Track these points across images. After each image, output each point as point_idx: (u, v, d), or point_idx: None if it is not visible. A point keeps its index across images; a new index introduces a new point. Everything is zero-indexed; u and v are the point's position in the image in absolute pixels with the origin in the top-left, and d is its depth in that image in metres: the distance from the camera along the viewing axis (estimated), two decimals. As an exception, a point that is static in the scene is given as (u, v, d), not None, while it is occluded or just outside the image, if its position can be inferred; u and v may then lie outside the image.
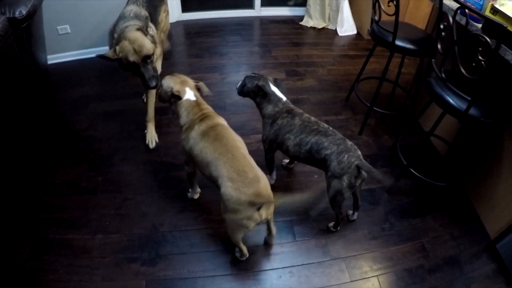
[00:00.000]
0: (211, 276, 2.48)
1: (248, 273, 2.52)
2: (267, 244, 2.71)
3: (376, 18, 3.19)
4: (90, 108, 3.82)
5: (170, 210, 2.87)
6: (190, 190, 2.93)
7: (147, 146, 3.38)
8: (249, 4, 6.08)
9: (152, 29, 3.16)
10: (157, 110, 3.59)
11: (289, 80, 4.44)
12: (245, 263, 2.56)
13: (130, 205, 2.90)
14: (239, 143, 2.38)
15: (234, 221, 2.20)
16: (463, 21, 2.35)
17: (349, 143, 2.43)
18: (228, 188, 2.13)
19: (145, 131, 3.42)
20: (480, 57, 2.08)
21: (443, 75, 2.47)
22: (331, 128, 2.52)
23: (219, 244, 2.67)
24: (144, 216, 2.82)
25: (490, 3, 2.27)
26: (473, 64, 2.12)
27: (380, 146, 3.54)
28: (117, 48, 2.79)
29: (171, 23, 5.61)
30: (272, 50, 5.10)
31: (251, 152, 2.38)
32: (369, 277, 2.52)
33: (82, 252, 2.58)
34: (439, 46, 2.46)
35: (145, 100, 3.75)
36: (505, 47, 2.10)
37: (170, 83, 2.54)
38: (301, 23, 5.88)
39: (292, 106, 2.68)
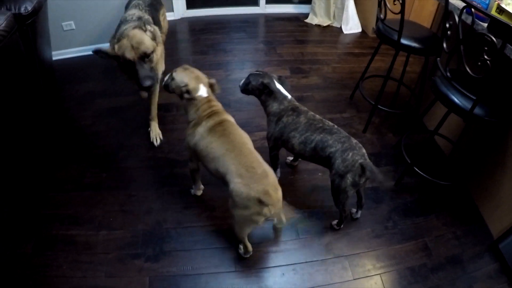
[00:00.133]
0: (215, 273, 2.48)
1: (251, 270, 2.52)
2: (275, 229, 2.75)
3: (382, 16, 3.18)
4: (95, 104, 3.83)
5: (174, 207, 2.88)
6: (193, 186, 2.93)
7: (152, 143, 3.38)
8: (254, 1, 6.07)
9: (151, 26, 3.08)
10: (161, 107, 3.61)
11: (293, 78, 4.44)
12: (248, 260, 2.56)
13: (134, 202, 2.91)
14: (246, 139, 2.39)
15: (244, 216, 2.20)
16: (469, 20, 2.34)
17: (354, 141, 2.43)
18: (238, 184, 2.13)
19: (149, 129, 3.42)
20: (485, 57, 2.08)
21: (448, 74, 2.47)
22: (336, 126, 2.52)
23: (223, 241, 2.68)
24: (148, 213, 2.83)
25: (496, 2, 2.26)
26: (479, 63, 2.12)
27: (384, 144, 3.53)
28: (116, 46, 2.74)
29: (176, 20, 5.64)
30: (277, 47, 5.10)
31: (255, 149, 2.38)
32: (372, 275, 2.53)
33: (85, 248, 2.59)
34: (444, 45, 2.46)
35: (142, 95, 3.84)
36: (511, 47, 2.10)
37: (184, 78, 2.47)
38: (306, 20, 5.87)
39: (297, 104, 2.68)
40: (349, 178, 2.35)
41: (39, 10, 2.96)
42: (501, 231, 2.69)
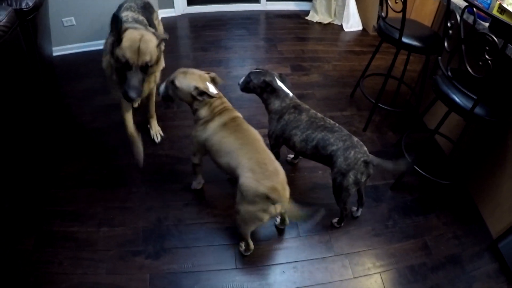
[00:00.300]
0: (215, 270, 2.49)
1: (252, 267, 2.53)
2: (277, 228, 2.76)
3: (383, 14, 3.18)
4: (95, 100, 3.83)
5: (175, 204, 2.88)
6: (193, 180, 2.94)
7: (153, 140, 3.39)
8: (255, -2, 6.08)
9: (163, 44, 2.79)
10: (161, 104, 3.61)
11: (294, 75, 4.45)
12: (249, 258, 2.57)
13: (135, 198, 2.91)
14: (258, 136, 2.39)
15: (250, 212, 2.20)
16: (470, 19, 2.35)
17: (355, 139, 2.44)
18: (248, 179, 2.14)
19: (148, 125, 3.42)
20: (486, 56, 2.08)
21: (449, 73, 2.47)
22: (337, 125, 2.52)
23: (224, 238, 2.68)
24: (148, 210, 2.83)
25: (498, 2, 2.26)
26: (480, 63, 2.12)
27: (385, 143, 3.54)
28: (125, 35, 2.40)
29: (176, 16, 5.64)
30: (278, 44, 5.11)
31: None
32: (371, 274, 2.53)
33: (86, 245, 2.60)
34: (446, 44, 2.46)
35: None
36: (512, 47, 2.10)
37: (191, 82, 2.39)
38: (306, 18, 5.88)
39: (298, 101, 2.68)
40: (351, 176, 2.36)
41: (40, 6, 2.95)
42: (500, 230, 2.70)
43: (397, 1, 2.98)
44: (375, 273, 2.54)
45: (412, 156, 2.63)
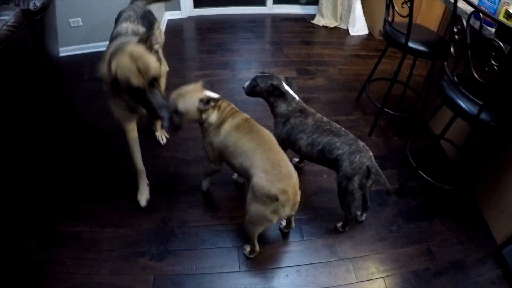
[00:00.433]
0: (219, 273, 2.49)
1: (255, 270, 2.53)
2: (281, 232, 2.75)
3: (390, 19, 3.18)
4: (102, 101, 3.83)
5: (179, 206, 2.89)
6: (204, 181, 2.93)
7: (158, 141, 3.39)
8: (261, 1, 6.09)
9: (158, 43, 2.63)
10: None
11: (300, 79, 4.45)
12: (252, 261, 2.57)
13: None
14: (272, 136, 2.39)
15: (259, 212, 2.19)
16: (476, 25, 2.34)
17: (361, 143, 2.44)
18: (261, 179, 2.13)
19: (153, 127, 3.42)
20: (493, 62, 2.08)
21: (455, 78, 2.47)
22: (343, 129, 2.53)
23: (228, 240, 2.68)
24: (153, 211, 2.84)
25: (504, 7, 2.26)
26: (486, 68, 2.12)
27: (390, 147, 3.54)
28: (113, 63, 2.14)
29: (183, 18, 5.65)
30: (284, 48, 5.11)
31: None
32: (375, 279, 2.53)
33: (90, 245, 2.61)
34: (452, 50, 2.46)
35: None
36: (519, 53, 2.10)
37: (191, 98, 2.38)
38: (312, 21, 5.88)
39: (304, 105, 2.68)
40: (356, 181, 2.36)
41: (47, 6, 2.96)
42: (504, 236, 2.69)
43: (403, 6, 2.98)
44: (378, 278, 2.53)
45: (394, 189, 2.64)
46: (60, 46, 3.97)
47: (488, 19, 2.12)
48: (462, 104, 2.43)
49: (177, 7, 5.67)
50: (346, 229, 2.76)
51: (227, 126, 2.41)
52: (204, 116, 2.43)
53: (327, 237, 2.75)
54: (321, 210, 2.88)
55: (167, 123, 2.33)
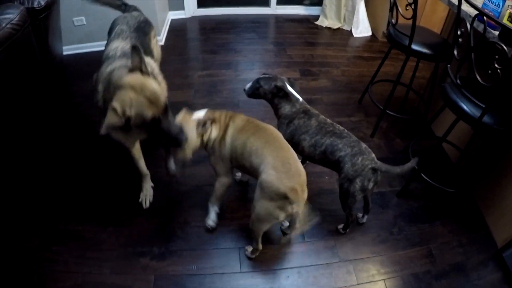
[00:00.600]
0: (220, 273, 2.50)
1: (256, 271, 2.53)
2: (283, 234, 2.75)
3: (393, 21, 3.18)
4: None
5: (181, 206, 2.90)
6: (211, 214, 2.73)
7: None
8: (265, 2, 6.09)
9: (149, 64, 2.40)
10: (169, 105, 3.62)
11: (303, 80, 4.45)
12: (253, 261, 2.58)
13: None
14: (278, 132, 2.40)
15: (267, 209, 2.19)
16: (480, 28, 2.34)
17: (364, 145, 2.44)
18: (271, 176, 2.13)
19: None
20: (496, 65, 2.08)
21: (458, 81, 2.47)
22: (346, 131, 2.53)
23: (229, 241, 2.69)
24: (155, 211, 2.84)
25: (508, 11, 2.26)
26: (489, 71, 2.12)
27: (392, 149, 3.54)
28: (117, 104, 1.91)
29: (186, 18, 5.65)
30: (287, 48, 5.12)
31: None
32: (376, 281, 2.53)
33: (92, 244, 2.61)
34: (455, 52, 2.46)
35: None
36: (522, 56, 2.10)
37: (189, 128, 2.32)
38: (316, 22, 5.89)
39: (308, 106, 2.68)
40: (358, 183, 2.36)
41: (52, 5, 2.97)
42: (505, 239, 2.69)
43: (407, 8, 2.98)
44: (379, 280, 2.53)
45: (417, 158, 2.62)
46: (64, 44, 3.98)
47: (492, 22, 2.12)
48: (465, 107, 2.43)
49: (181, 7, 5.69)
50: (347, 230, 2.76)
51: (230, 132, 2.39)
52: (205, 137, 2.42)
53: (328, 238, 2.75)
54: (323, 211, 2.87)
55: (173, 164, 2.30)
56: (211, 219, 2.72)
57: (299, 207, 2.17)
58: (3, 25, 2.40)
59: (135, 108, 1.94)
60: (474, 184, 3.10)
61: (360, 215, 2.84)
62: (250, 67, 4.68)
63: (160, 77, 2.59)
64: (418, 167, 2.99)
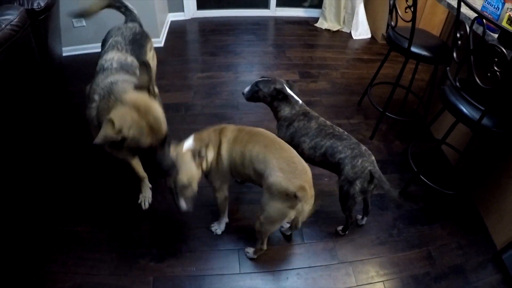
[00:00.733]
0: (219, 275, 2.49)
1: (255, 273, 2.53)
2: (283, 235, 2.75)
3: (393, 23, 3.19)
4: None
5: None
6: (219, 221, 2.76)
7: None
8: (265, 4, 6.10)
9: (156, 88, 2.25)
10: (169, 107, 3.62)
11: (302, 82, 4.46)
12: (252, 263, 2.58)
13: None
14: (271, 133, 2.37)
15: (279, 210, 2.18)
16: (479, 30, 2.34)
17: (363, 148, 2.44)
18: (279, 178, 2.11)
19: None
20: (495, 68, 2.08)
21: (457, 83, 2.47)
22: (346, 133, 2.53)
23: (228, 243, 2.69)
24: (154, 212, 2.85)
25: (507, 13, 2.26)
26: (488, 74, 2.12)
27: (391, 151, 3.54)
28: (115, 118, 1.74)
29: (186, 20, 5.65)
30: (286, 50, 5.12)
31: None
32: (375, 282, 2.53)
33: (90, 245, 2.61)
34: (454, 55, 2.46)
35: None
36: (521, 59, 2.10)
37: (184, 165, 2.19)
38: (315, 24, 5.90)
39: (308, 109, 2.69)
40: (357, 185, 2.36)
41: (51, 6, 2.97)
42: (504, 242, 2.69)
43: (406, 11, 2.98)
44: (378, 282, 2.54)
45: (397, 191, 2.62)
46: (63, 46, 3.98)
47: (491, 25, 2.13)
48: (464, 110, 2.43)
49: (181, 9, 5.69)
50: (347, 232, 2.76)
51: (225, 146, 2.34)
52: (204, 165, 2.31)
53: (328, 240, 2.75)
54: (322, 213, 2.87)
55: (183, 202, 2.17)
56: (220, 229, 2.74)
57: (308, 204, 2.17)
58: (3, 26, 2.39)
59: (133, 131, 1.78)
60: (473, 187, 3.10)
61: (359, 217, 2.84)
62: (249, 69, 4.68)
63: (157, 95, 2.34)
64: (417, 169, 3.00)
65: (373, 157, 2.42)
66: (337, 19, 5.81)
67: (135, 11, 3.09)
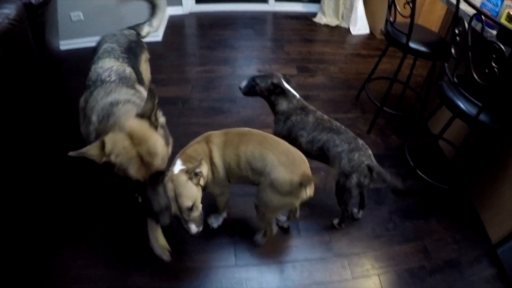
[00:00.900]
0: (215, 267, 2.51)
1: (251, 265, 2.54)
2: (282, 228, 2.76)
3: (391, 19, 3.19)
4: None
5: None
6: (216, 216, 2.74)
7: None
8: (263, -1, 6.09)
9: (162, 117, 2.18)
10: (166, 101, 3.62)
11: (300, 76, 4.46)
12: (248, 255, 2.59)
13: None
14: (262, 132, 2.35)
15: (284, 201, 2.20)
16: (478, 27, 2.35)
17: (361, 142, 2.46)
18: (281, 173, 2.12)
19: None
20: (493, 64, 2.09)
21: (455, 79, 2.48)
22: (343, 127, 2.54)
23: (224, 235, 2.70)
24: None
25: (507, 10, 2.27)
26: (486, 70, 2.13)
27: (388, 146, 3.55)
28: (109, 142, 1.65)
29: (184, 14, 5.64)
30: (285, 45, 5.12)
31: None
32: (370, 276, 2.55)
33: (86, 237, 2.63)
34: (453, 51, 2.47)
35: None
36: (519, 55, 2.11)
37: (184, 187, 2.07)
38: (314, 19, 5.89)
39: (305, 103, 2.69)
40: (354, 179, 2.37)
41: (49, 0, 2.97)
42: (500, 237, 2.70)
43: (405, 7, 2.99)
44: (374, 275, 2.55)
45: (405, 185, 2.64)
46: (61, 39, 3.97)
47: (490, 21, 2.13)
48: (461, 105, 2.44)
49: (179, 3, 5.68)
50: (343, 226, 2.77)
51: (216, 154, 2.28)
52: (202, 181, 2.21)
53: (323, 233, 2.76)
54: (318, 206, 2.89)
55: (191, 224, 2.07)
56: (217, 223, 2.73)
57: (312, 189, 2.19)
58: (0, 20, 2.39)
59: (121, 159, 1.65)
60: (470, 182, 3.11)
61: (355, 210, 2.85)
62: (247, 63, 4.68)
63: (167, 133, 2.28)
64: (414, 164, 3.02)
65: (370, 151, 2.43)
66: (335, 14, 5.81)
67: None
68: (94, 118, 1.93)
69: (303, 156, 2.24)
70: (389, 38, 3.27)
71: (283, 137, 2.59)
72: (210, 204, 2.67)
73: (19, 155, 2.93)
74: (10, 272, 2.40)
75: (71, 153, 1.61)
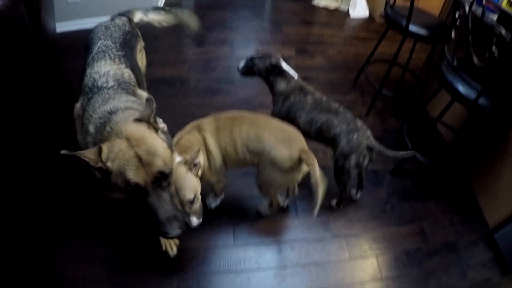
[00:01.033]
0: (213, 247, 2.53)
1: (249, 244, 2.56)
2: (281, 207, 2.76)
3: (391, 2, 3.18)
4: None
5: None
6: (216, 198, 2.73)
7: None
8: (262, -20, 6.04)
9: (162, 122, 2.17)
10: (163, 81, 3.61)
11: (298, 58, 4.45)
12: (246, 235, 2.61)
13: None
14: (251, 113, 2.35)
15: (287, 178, 2.23)
16: (479, 11, 2.35)
17: (360, 122, 2.46)
18: (281, 150, 2.13)
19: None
20: (493, 48, 2.09)
21: (455, 63, 2.48)
22: (342, 108, 2.54)
23: (222, 216, 2.71)
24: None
25: (508, -5, 2.27)
26: (486, 54, 2.13)
27: (386, 128, 3.56)
28: (105, 148, 1.53)
29: (183, -5, 5.59)
30: (283, 27, 5.09)
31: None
32: (368, 256, 2.57)
33: (85, 220, 2.65)
34: (453, 35, 2.47)
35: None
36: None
37: (184, 179, 1.95)
38: (313, 2, 5.84)
39: (304, 83, 2.69)
40: (353, 159, 2.38)
41: (45, -18, 2.94)
42: (497, 221, 2.73)
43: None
44: (371, 256, 2.57)
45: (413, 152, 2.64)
46: (57, 21, 3.94)
47: (491, 6, 2.13)
48: (461, 89, 2.44)
49: (178, -17, 5.65)
50: (341, 206, 2.79)
51: (211, 141, 2.24)
52: (200, 172, 2.16)
53: (322, 214, 2.77)
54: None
55: (192, 218, 1.98)
56: (215, 203, 2.73)
57: (314, 163, 2.12)
58: (-5, 2, 2.37)
59: (118, 162, 1.52)
60: (468, 166, 3.13)
61: (353, 191, 2.86)
62: (245, 44, 4.66)
63: (169, 137, 2.13)
64: (412, 146, 3.02)
65: (369, 132, 2.43)
66: (334, -4, 5.78)
67: None
68: (91, 129, 1.81)
69: (297, 131, 2.25)
70: (388, 21, 3.26)
71: (281, 118, 2.59)
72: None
73: (15, 142, 2.92)
74: (10, 272, 2.39)
75: (63, 152, 1.47)
